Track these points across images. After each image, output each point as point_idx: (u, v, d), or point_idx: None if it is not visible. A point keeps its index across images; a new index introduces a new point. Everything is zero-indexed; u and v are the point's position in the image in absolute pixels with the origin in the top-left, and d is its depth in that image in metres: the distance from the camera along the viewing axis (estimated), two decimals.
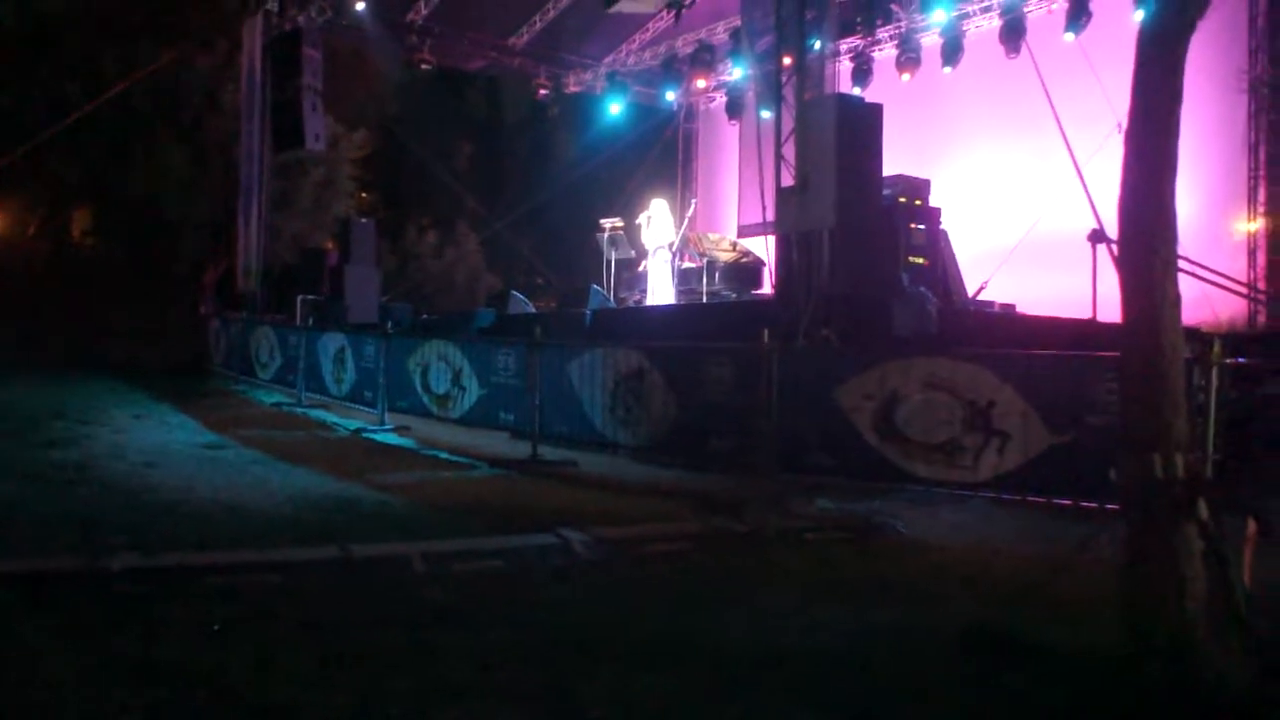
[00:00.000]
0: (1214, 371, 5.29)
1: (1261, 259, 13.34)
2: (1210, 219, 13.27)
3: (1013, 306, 12.65)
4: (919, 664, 3.82)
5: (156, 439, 9.40)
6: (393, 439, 10.17)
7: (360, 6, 17.43)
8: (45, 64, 20.29)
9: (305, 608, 4.38)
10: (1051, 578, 5.13)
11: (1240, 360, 6.34)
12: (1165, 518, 3.34)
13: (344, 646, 3.86)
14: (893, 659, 3.88)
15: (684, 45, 19.54)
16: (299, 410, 12.41)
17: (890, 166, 10.59)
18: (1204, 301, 9.31)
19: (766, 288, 14.94)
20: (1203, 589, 3.31)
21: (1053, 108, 11.44)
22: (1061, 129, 11.20)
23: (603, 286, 16.04)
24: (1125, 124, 3.59)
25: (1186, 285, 3.70)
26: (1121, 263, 3.60)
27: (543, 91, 20.93)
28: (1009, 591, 4.89)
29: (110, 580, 4.56)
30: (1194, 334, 5.67)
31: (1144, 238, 3.49)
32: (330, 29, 17.58)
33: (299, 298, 16.47)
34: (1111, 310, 8.89)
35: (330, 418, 11.70)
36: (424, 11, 18.43)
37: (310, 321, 14.73)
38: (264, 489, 7.11)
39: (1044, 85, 11.71)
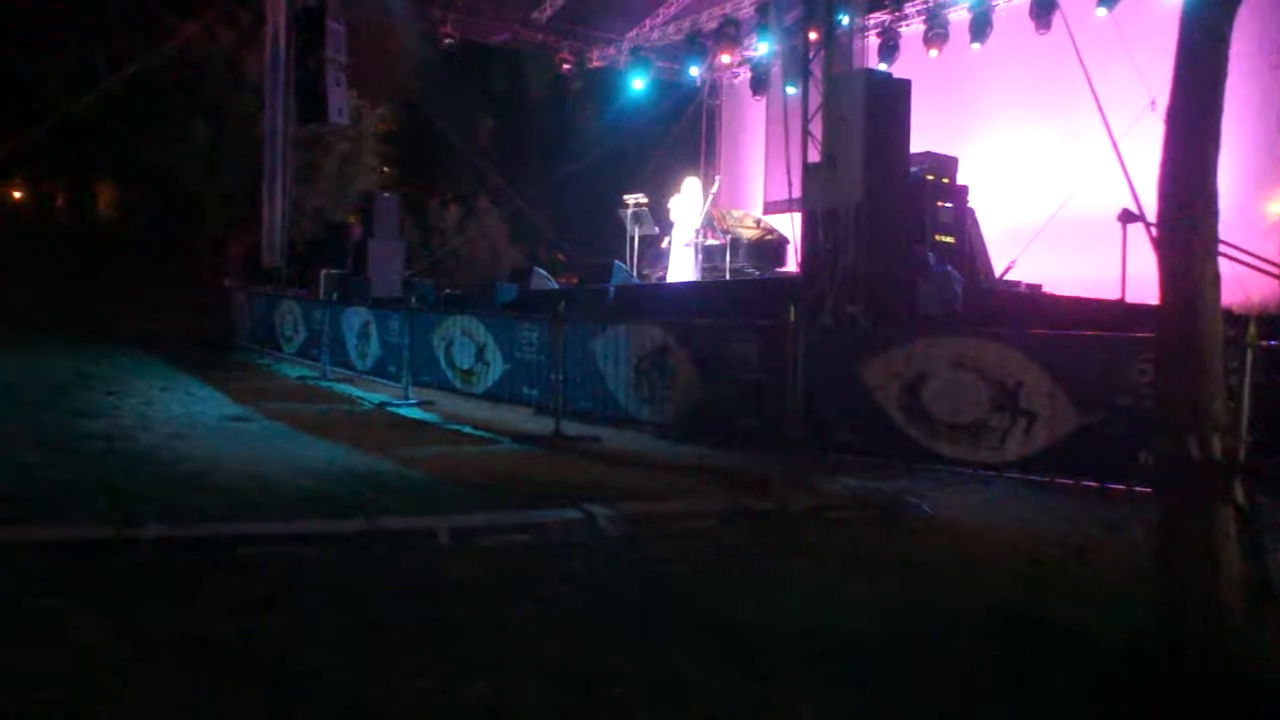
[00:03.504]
0: (1248, 354, 5.21)
1: None
2: (1242, 199, 13.04)
3: (1039, 286, 12.53)
4: (944, 644, 3.80)
5: (183, 411, 9.47)
6: (417, 413, 10.21)
7: None
8: (70, 37, 20.36)
9: (332, 580, 4.41)
10: (1079, 560, 5.10)
11: (1273, 343, 6.24)
12: (1201, 501, 3.30)
13: (371, 619, 3.89)
14: (917, 639, 3.86)
15: (708, 20, 19.34)
16: (323, 384, 12.49)
17: (918, 143, 10.48)
18: (1236, 283, 9.14)
19: (790, 265, 14.87)
20: (1239, 573, 3.27)
21: (1090, 84, 11.24)
22: (1099, 105, 11.02)
23: (625, 262, 16.02)
24: (1168, 101, 3.52)
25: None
26: (1160, 242, 3.54)
27: (565, 67, 20.81)
28: (1036, 573, 4.87)
29: (140, 550, 4.62)
30: (1226, 315, 5.58)
31: (1184, 217, 3.43)
32: (354, 3, 17.52)
33: (322, 272, 16.54)
34: (1140, 291, 8.77)
35: (355, 391, 11.76)
36: None
37: (334, 296, 14.79)
38: (290, 461, 7.15)
39: (1081, 61, 11.51)
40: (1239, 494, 3.31)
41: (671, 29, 20.19)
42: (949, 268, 10.34)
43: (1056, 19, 14.48)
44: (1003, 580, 4.74)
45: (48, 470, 6.38)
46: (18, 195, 24.39)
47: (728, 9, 18.84)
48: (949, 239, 11.25)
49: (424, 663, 3.45)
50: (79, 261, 20.44)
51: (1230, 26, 3.45)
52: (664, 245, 16.26)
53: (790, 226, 12.05)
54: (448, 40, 18.96)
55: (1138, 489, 6.01)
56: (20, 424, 8.10)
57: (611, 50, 21.16)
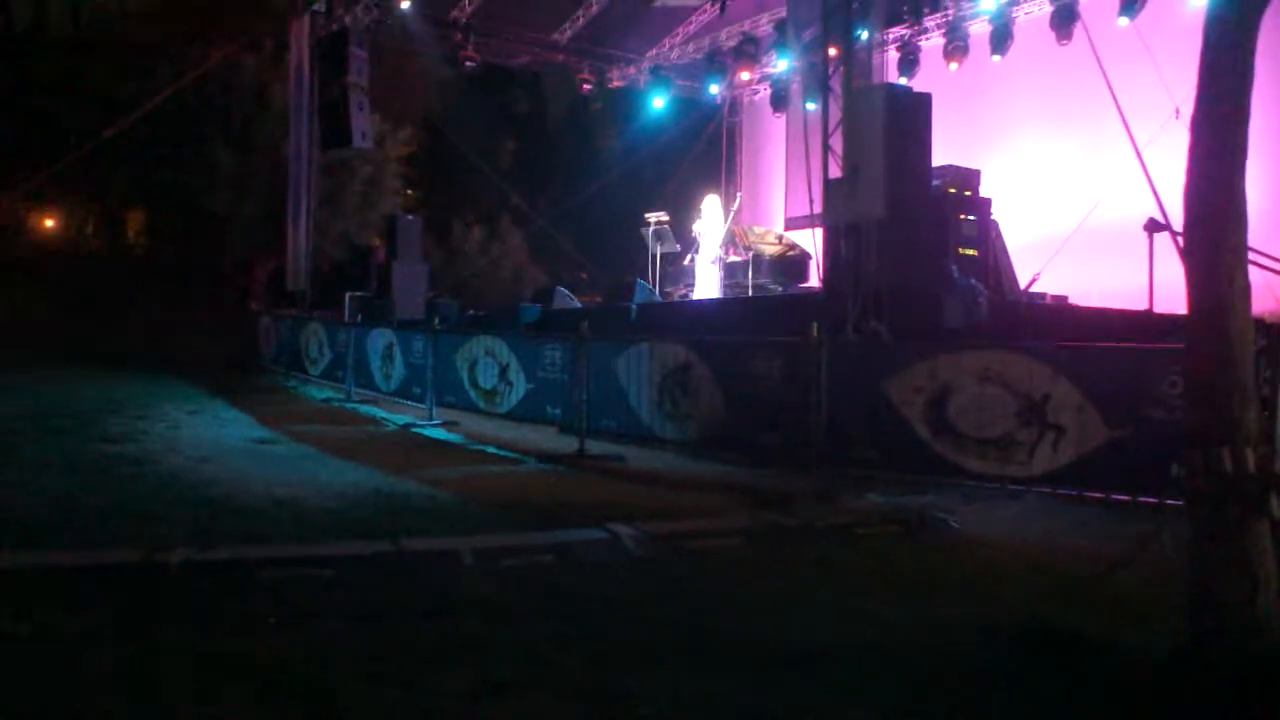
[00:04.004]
0: None
1: None
2: (1271, 205, 12.81)
3: (1065, 298, 12.41)
4: (974, 660, 3.75)
5: (210, 434, 9.56)
6: (441, 434, 10.24)
7: (406, 5, 17.54)
8: (98, 67, 20.72)
9: (357, 601, 4.41)
10: (1111, 575, 5.01)
11: None
12: (1235, 515, 3.23)
13: (395, 639, 3.89)
14: (947, 655, 3.81)
15: (728, 38, 19.41)
16: (348, 406, 12.56)
17: (939, 157, 10.41)
18: (1266, 291, 9.02)
19: (812, 281, 14.82)
20: (1276, 587, 3.20)
21: (1112, 93, 11.16)
22: (1122, 114, 10.93)
23: (648, 280, 16.03)
24: (1192, 109, 3.47)
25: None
26: (1188, 251, 3.49)
27: (586, 87, 20.92)
28: (1067, 588, 4.79)
29: (168, 573, 4.65)
30: (1258, 325, 5.50)
31: (1212, 224, 3.38)
32: (376, 28, 17.73)
33: (347, 294, 16.66)
34: (1168, 301, 8.63)
35: (379, 413, 11.81)
36: (468, 9, 18.51)
37: (359, 318, 14.89)
38: (315, 483, 7.19)
39: (1103, 70, 11.42)
40: (1275, 507, 3.24)
41: (691, 47, 20.27)
42: (973, 281, 10.26)
43: (1078, 29, 14.42)
44: (1032, 595, 4.67)
45: (79, 496, 6.45)
46: (49, 223, 24.81)
47: (746, 27, 18.90)
48: (972, 252, 11.16)
49: (447, 682, 3.44)
50: (109, 286, 20.73)
51: (1255, 32, 3.41)
52: (686, 263, 16.27)
53: (812, 242, 11.99)
54: (469, 63, 19.13)
55: (1170, 502, 5.90)
56: (52, 450, 8.20)
57: (631, 70, 21.26)
